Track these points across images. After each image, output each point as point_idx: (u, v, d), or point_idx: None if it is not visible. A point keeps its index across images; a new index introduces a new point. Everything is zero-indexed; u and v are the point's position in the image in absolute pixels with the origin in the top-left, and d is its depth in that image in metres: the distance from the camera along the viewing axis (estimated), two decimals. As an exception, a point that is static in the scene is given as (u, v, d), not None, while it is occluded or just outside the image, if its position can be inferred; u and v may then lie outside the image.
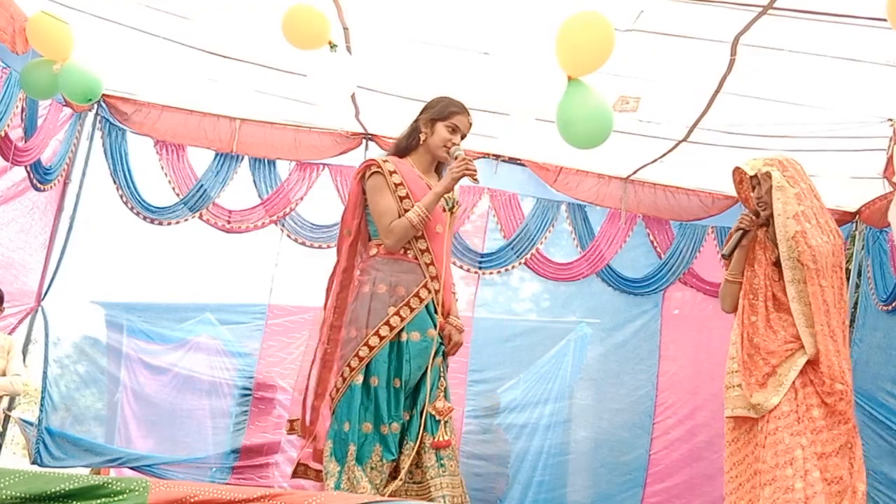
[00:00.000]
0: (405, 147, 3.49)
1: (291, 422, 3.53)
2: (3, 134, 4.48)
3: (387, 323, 3.27)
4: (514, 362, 6.01)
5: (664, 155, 5.33)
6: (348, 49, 4.30)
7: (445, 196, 3.39)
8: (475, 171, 3.29)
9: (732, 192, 5.95)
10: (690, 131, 4.86)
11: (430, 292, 3.33)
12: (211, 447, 5.67)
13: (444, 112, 3.42)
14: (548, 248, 6.12)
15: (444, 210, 3.44)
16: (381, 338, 3.26)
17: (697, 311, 6.20)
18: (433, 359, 3.31)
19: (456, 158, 3.33)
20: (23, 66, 4.29)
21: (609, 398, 6.02)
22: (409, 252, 3.34)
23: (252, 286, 5.83)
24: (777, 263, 3.50)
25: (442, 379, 3.37)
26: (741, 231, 3.57)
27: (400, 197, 3.33)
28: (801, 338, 3.38)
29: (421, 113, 3.50)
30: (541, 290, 6.32)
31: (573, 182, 5.97)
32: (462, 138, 3.46)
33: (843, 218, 5.98)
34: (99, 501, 2.08)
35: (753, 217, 3.57)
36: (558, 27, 3.29)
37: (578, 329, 6.12)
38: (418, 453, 3.28)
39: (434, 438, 3.28)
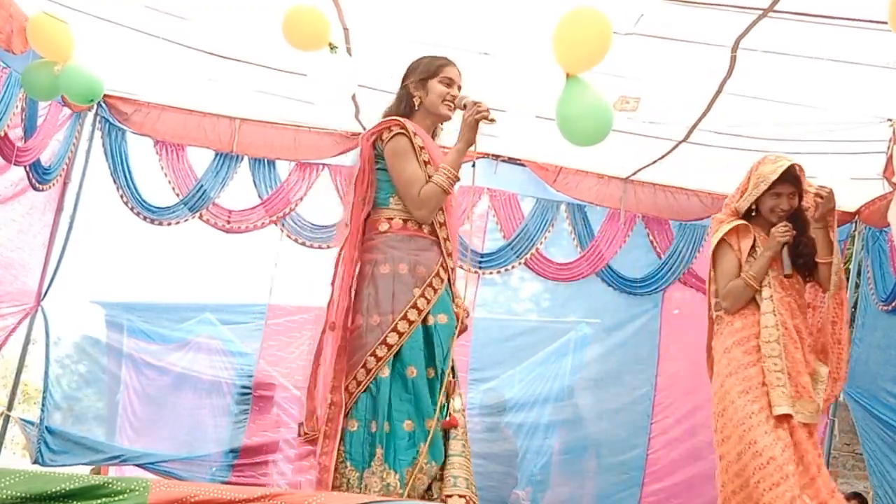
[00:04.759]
0: (400, 115, 3.12)
1: (301, 425, 3.04)
2: (2, 134, 4.48)
3: (414, 306, 2.92)
4: (513, 362, 6.01)
5: (664, 156, 5.33)
6: (348, 50, 4.30)
7: None
8: (488, 110, 2.99)
9: (732, 192, 6.02)
10: (690, 132, 4.86)
11: (446, 271, 3.04)
12: (211, 445, 5.68)
13: (432, 68, 3.13)
14: (547, 248, 6.12)
15: None
16: (411, 322, 2.91)
17: (697, 311, 6.14)
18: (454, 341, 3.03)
19: (465, 107, 3.04)
20: (23, 66, 4.29)
21: (608, 398, 6.02)
22: (424, 227, 3.02)
23: (252, 286, 5.84)
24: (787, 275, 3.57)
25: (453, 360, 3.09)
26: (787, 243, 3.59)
27: (424, 162, 3.00)
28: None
29: (405, 79, 3.18)
30: (541, 290, 6.33)
31: (573, 182, 5.98)
32: (458, 89, 3.16)
33: (843, 218, 5.98)
34: (99, 501, 2.08)
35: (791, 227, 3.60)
36: (555, 25, 3.28)
37: (578, 329, 6.13)
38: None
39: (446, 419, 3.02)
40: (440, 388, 2.95)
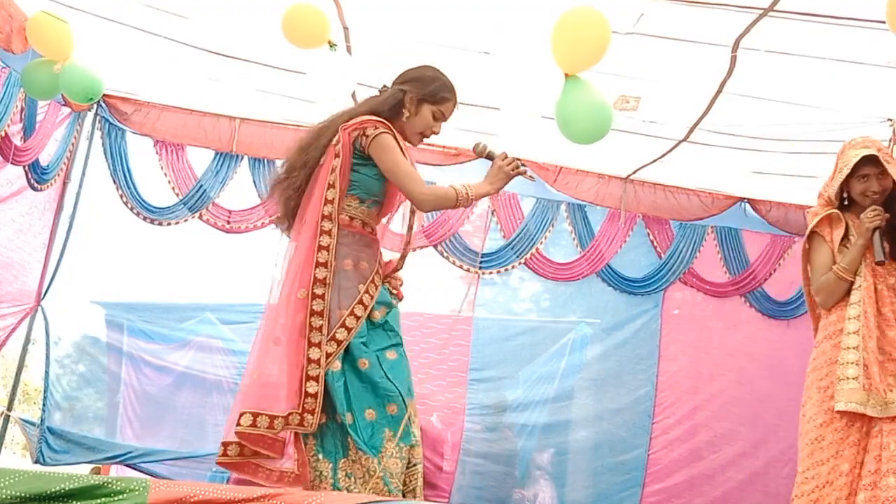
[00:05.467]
0: (386, 117, 3.03)
1: (286, 417, 2.81)
2: (3, 134, 4.48)
3: (360, 301, 2.93)
4: (514, 362, 6.01)
5: (664, 155, 5.33)
6: (348, 49, 4.30)
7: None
8: (525, 168, 3.05)
9: (732, 191, 6.03)
10: (691, 131, 4.86)
11: (381, 266, 3.05)
12: (212, 445, 5.67)
13: (436, 95, 3.06)
14: (547, 247, 6.12)
15: None
16: (358, 318, 2.92)
17: (697, 311, 6.21)
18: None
19: (489, 156, 3.05)
20: (23, 66, 4.29)
21: (609, 398, 6.02)
22: (366, 226, 3.03)
23: (252, 286, 5.82)
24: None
25: None
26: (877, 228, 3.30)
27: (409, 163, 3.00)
28: None
29: (408, 82, 3.08)
30: (541, 290, 6.33)
31: (573, 182, 5.98)
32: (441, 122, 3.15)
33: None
34: (99, 501, 2.08)
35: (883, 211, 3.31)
36: (553, 25, 3.28)
37: (578, 329, 6.12)
38: None
39: None
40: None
